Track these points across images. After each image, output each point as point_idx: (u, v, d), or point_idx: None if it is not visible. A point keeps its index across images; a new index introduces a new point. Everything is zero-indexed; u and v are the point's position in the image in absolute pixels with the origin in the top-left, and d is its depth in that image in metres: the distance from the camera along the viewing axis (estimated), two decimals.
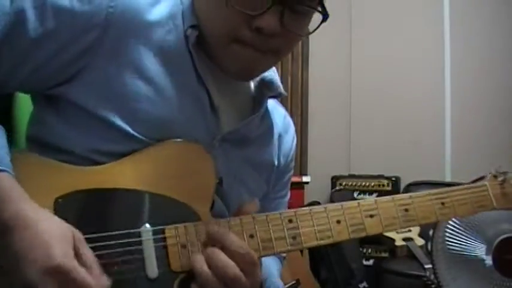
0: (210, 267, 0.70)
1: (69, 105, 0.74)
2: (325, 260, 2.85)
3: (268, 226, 0.77)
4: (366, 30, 3.62)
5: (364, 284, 2.85)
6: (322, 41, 3.57)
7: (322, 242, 0.79)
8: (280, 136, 0.96)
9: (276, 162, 0.95)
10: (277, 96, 0.93)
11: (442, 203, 0.87)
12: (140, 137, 0.75)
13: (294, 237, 0.78)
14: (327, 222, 0.80)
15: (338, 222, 0.80)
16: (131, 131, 0.74)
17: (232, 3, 0.72)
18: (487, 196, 0.93)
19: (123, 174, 0.73)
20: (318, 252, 2.88)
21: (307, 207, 0.81)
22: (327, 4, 0.78)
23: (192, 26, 0.79)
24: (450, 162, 3.42)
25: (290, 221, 0.78)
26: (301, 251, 2.79)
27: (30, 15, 0.69)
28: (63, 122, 0.74)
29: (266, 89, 0.91)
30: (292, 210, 0.80)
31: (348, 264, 2.84)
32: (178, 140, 0.77)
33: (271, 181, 0.95)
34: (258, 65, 0.82)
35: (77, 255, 0.62)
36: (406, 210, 0.84)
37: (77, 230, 0.65)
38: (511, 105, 3.31)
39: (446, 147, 3.45)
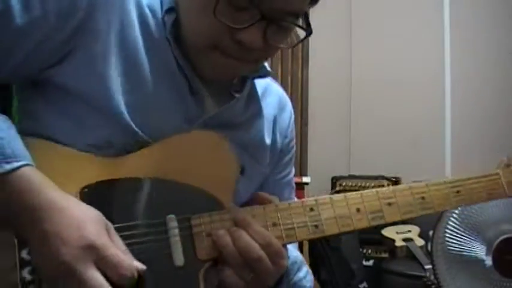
0: (234, 245, 0.72)
1: (58, 90, 0.73)
2: (325, 260, 2.85)
3: (291, 214, 0.79)
4: (366, 30, 3.62)
5: (364, 284, 2.85)
6: (322, 41, 3.56)
7: (343, 230, 0.81)
8: (275, 117, 0.95)
9: (269, 142, 0.93)
10: (263, 76, 0.91)
11: (457, 191, 0.89)
12: (123, 116, 0.73)
13: (316, 226, 0.79)
14: (347, 211, 0.81)
15: (358, 210, 0.82)
16: (115, 111, 0.73)
17: (218, 14, 0.71)
18: (500, 184, 0.95)
19: (145, 164, 0.74)
20: (318, 252, 2.88)
21: (327, 196, 0.83)
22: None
23: (169, 10, 0.78)
24: (450, 162, 3.42)
25: (311, 209, 0.80)
26: (301, 251, 2.79)
27: (15, 2, 0.68)
28: (51, 111, 0.73)
29: None
30: (313, 198, 0.81)
31: (348, 264, 2.84)
32: (199, 129, 0.79)
33: (271, 163, 0.94)
34: (235, 72, 0.82)
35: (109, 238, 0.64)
36: (423, 198, 0.86)
37: (105, 219, 0.66)
38: (511, 105, 3.31)
39: (446, 147, 3.45)
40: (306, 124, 3.58)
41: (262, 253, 0.72)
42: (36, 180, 0.63)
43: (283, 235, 0.77)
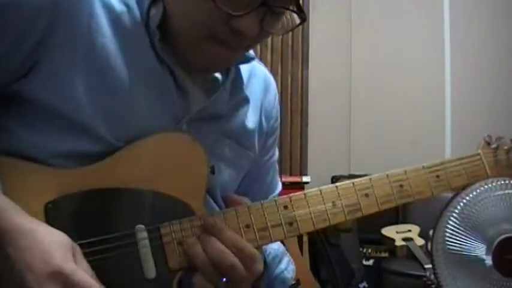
0: (206, 254, 0.70)
1: (26, 103, 0.69)
2: (325, 260, 2.86)
3: (264, 214, 0.76)
4: (366, 30, 3.62)
5: (364, 284, 2.85)
6: (322, 41, 3.57)
7: (318, 226, 0.78)
8: (261, 101, 0.92)
9: (258, 128, 0.90)
10: (245, 61, 0.88)
11: (437, 176, 0.85)
12: (98, 130, 0.70)
13: (290, 224, 0.76)
14: (323, 206, 0.78)
15: (333, 204, 0.79)
16: (84, 122, 0.70)
17: (218, 1, 0.68)
18: (481, 165, 0.90)
19: (111, 174, 0.71)
20: (318, 252, 2.88)
21: (301, 192, 0.79)
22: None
23: (154, 1, 0.73)
24: None
25: (285, 207, 0.77)
26: (301, 251, 2.79)
27: None
28: (21, 125, 0.70)
29: None
30: (287, 196, 0.78)
31: (348, 264, 2.85)
32: (165, 132, 0.75)
33: (257, 148, 0.91)
34: (227, 61, 0.79)
35: (75, 262, 0.62)
36: (401, 186, 0.83)
37: (72, 241, 0.64)
38: (511, 105, 3.31)
39: (446, 147, 3.45)
40: (306, 124, 3.58)
41: (235, 260, 0.70)
42: (1, 205, 0.61)
43: (257, 237, 0.74)
